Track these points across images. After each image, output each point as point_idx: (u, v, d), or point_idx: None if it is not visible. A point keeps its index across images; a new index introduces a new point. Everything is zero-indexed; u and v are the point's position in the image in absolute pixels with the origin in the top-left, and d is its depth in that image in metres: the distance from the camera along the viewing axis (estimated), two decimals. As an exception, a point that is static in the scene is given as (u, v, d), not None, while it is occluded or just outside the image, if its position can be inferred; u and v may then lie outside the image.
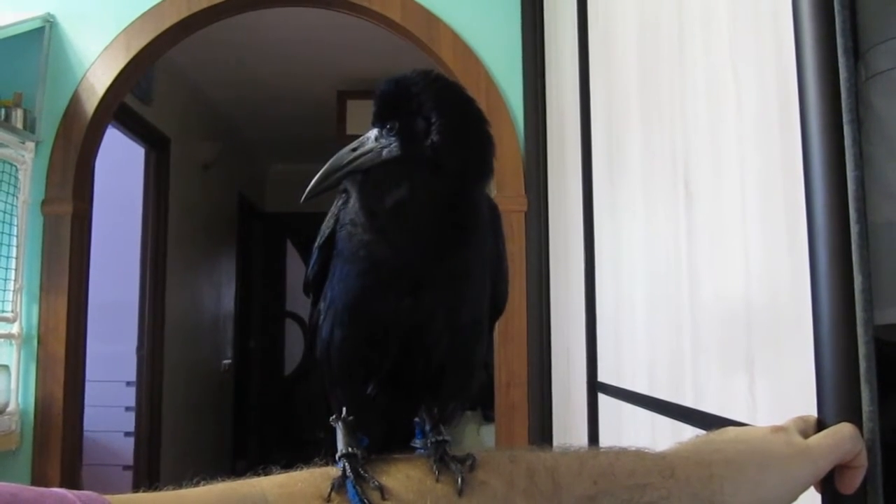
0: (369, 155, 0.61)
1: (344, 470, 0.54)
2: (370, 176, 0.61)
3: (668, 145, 1.19)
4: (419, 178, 0.58)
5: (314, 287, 0.65)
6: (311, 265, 0.65)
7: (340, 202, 0.64)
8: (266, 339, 6.20)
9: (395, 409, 0.64)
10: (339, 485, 0.53)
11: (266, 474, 0.54)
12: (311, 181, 0.61)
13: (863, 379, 0.65)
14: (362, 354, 0.61)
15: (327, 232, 0.63)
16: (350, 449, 0.57)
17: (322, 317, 0.63)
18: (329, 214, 0.65)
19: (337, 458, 0.57)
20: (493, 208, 0.66)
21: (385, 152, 0.61)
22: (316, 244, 0.64)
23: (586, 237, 1.75)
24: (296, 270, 6.36)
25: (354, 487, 0.53)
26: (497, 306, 0.68)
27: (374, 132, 0.62)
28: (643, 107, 1.35)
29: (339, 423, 0.61)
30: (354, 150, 0.62)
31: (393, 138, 0.61)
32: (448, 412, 0.64)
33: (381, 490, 0.53)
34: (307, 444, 4.95)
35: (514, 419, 2.41)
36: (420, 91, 0.60)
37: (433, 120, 0.59)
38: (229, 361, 5.34)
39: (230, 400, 5.43)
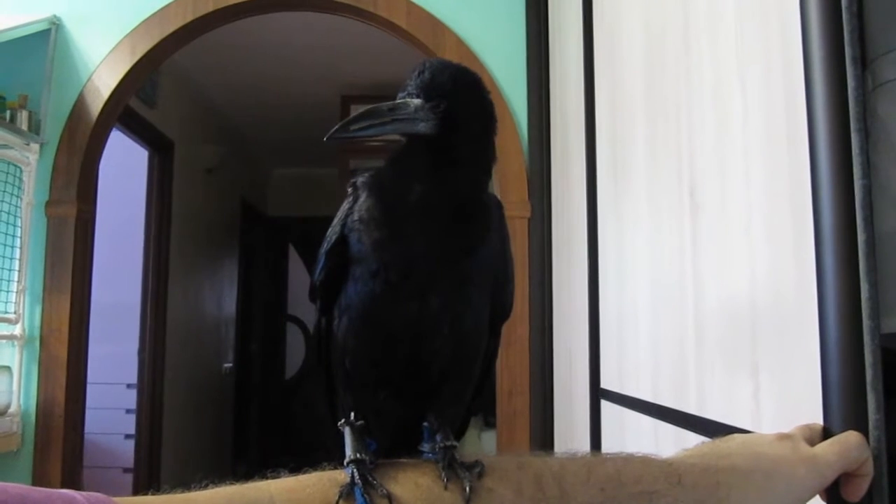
0: (406, 121, 0.61)
1: (352, 476, 0.54)
2: (379, 175, 0.61)
3: (674, 152, 1.19)
4: (435, 175, 0.59)
5: (321, 293, 0.64)
6: (317, 271, 0.64)
7: (347, 206, 0.64)
8: (267, 343, 6.19)
9: (404, 414, 0.63)
10: (347, 492, 0.53)
11: (274, 477, 0.54)
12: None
13: (869, 387, 0.65)
14: (376, 360, 0.61)
15: (334, 237, 0.63)
16: (358, 454, 0.57)
17: (337, 322, 0.62)
18: (336, 219, 0.64)
19: (345, 463, 0.56)
20: (499, 207, 0.66)
21: (421, 126, 0.61)
22: (323, 249, 0.63)
23: (590, 243, 1.75)
24: (298, 274, 6.36)
25: (363, 495, 0.52)
26: (504, 309, 0.68)
27: (416, 101, 0.62)
28: (648, 114, 1.35)
29: (348, 428, 0.61)
30: (391, 109, 0.62)
31: (433, 116, 0.61)
32: (448, 418, 0.63)
33: (390, 498, 0.53)
34: (308, 447, 4.94)
35: (516, 425, 2.41)
36: (472, 91, 0.62)
37: (474, 122, 0.61)
38: (230, 365, 5.33)
39: (231, 403, 5.43)
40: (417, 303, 0.59)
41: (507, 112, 2.50)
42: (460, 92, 0.62)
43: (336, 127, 0.62)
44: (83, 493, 0.44)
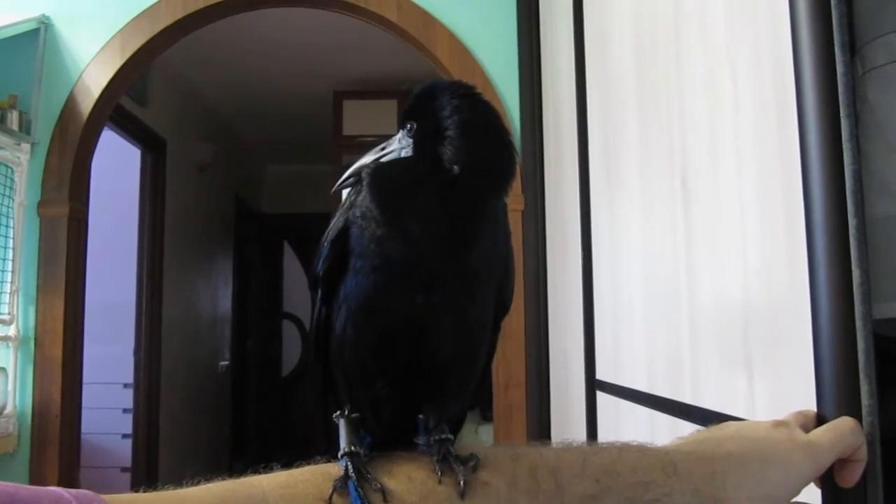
0: (391, 155, 0.62)
1: (346, 469, 0.54)
2: (381, 170, 0.61)
3: (665, 142, 1.19)
4: (427, 177, 0.58)
5: (323, 282, 0.64)
6: (321, 259, 0.63)
7: (352, 197, 0.64)
8: (263, 341, 6.19)
9: (401, 407, 0.63)
10: (340, 486, 0.53)
11: (268, 471, 0.54)
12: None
13: (862, 373, 0.65)
14: (375, 352, 0.60)
15: (340, 226, 0.62)
16: (353, 447, 0.57)
17: (335, 313, 0.62)
18: (340, 209, 0.64)
19: (339, 455, 0.56)
20: (503, 206, 0.66)
21: (403, 152, 0.61)
22: (328, 238, 0.63)
23: (584, 235, 1.75)
24: (293, 271, 6.35)
25: (356, 490, 0.52)
26: (504, 305, 0.67)
27: (400, 133, 0.63)
28: (640, 103, 1.35)
29: (343, 420, 0.61)
30: (383, 149, 0.63)
31: (410, 139, 0.61)
32: (449, 412, 0.63)
33: (384, 492, 0.53)
34: (305, 444, 4.94)
35: (513, 418, 2.41)
36: (445, 98, 0.60)
37: (447, 126, 0.59)
38: (227, 363, 5.33)
39: (228, 401, 5.43)
40: (419, 298, 0.58)
41: (499, 105, 2.49)
42: (423, 106, 0.61)
43: (339, 181, 0.65)
44: (71, 490, 0.43)
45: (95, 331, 3.09)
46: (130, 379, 3.89)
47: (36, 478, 2.42)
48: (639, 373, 1.35)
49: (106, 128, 2.89)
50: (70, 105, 2.58)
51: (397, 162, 0.61)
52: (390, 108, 4.04)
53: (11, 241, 2.49)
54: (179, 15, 2.59)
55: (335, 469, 0.55)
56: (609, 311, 1.58)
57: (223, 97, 4.70)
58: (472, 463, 0.56)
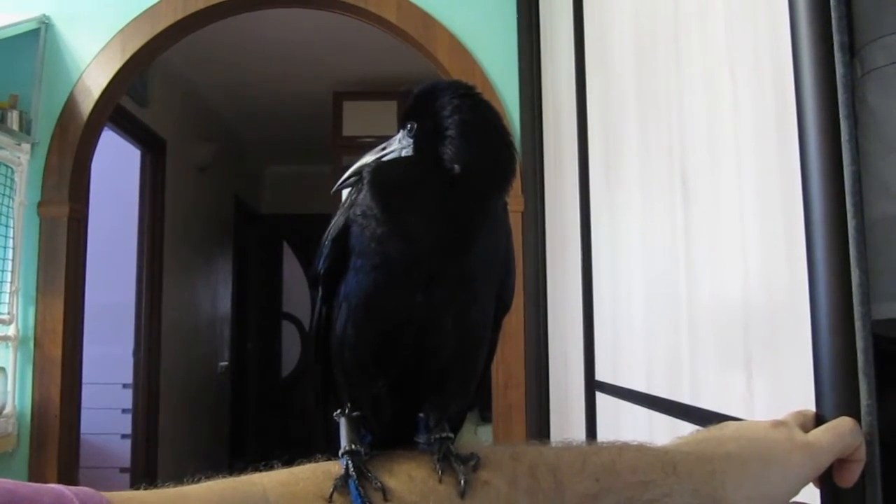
0: (391, 154, 0.62)
1: (347, 468, 0.54)
2: (381, 169, 0.61)
3: (665, 142, 1.19)
4: (427, 177, 0.58)
5: (324, 280, 0.64)
6: (322, 258, 0.64)
7: (353, 196, 0.64)
8: (263, 341, 6.19)
9: (399, 405, 0.63)
10: (341, 484, 0.53)
11: (268, 470, 0.54)
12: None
13: (861, 373, 0.65)
14: (375, 351, 0.61)
15: (340, 225, 0.62)
16: (353, 446, 0.57)
17: (336, 312, 0.62)
18: (341, 208, 0.64)
19: (340, 454, 0.56)
20: (504, 205, 0.66)
21: (403, 152, 0.62)
22: (329, 236, 0.63)
23: (583, 236, 1.75)
24: (292, 272, 6.35)
25: (357, 488, 0.52)
26: (505, 303, 0.68)
27: (400, 133, 0.63)
28: (640, 104, 1.35)
29: (343, 419, 0.61)
30: (383, 148, 0.63)
31: (411, 139, 0.62)
32: (450, 411, 0.63)
33: (384, 490, 0.53)
34: (304, 445, 4.94)
35: (512, 419, 2.41)
36: (445, 98, 0.61)
37: (448, 125, 0.59)
38: (226, 363, 5.33)
39: (227, 402, 5.42)
40: (420, 296, 0.59)
41: (499, 105, 2.49)
42: (423, 106, 0.62)
43: (340, 181, 0.65)
44: (72, 488, 0.44)
45: (95, 331, 3.10)
46: (130, 379, 3.89)
47: (35, 478, 2.42)
48: (638, 373, 1.35)
49: (106, 128, 2.89)
50: (70, 105, 2.58)
51: (398, 161, 0.61)
52: (390, 108, 4.04)
53: (11, 241, 2.49)
54: (179, 15, 2.59)
55: (336, 467, 0.55)
56: (608, 312, 1.58)
57: (223, 97, 4.70)
58: (472, 462, 0.56)
